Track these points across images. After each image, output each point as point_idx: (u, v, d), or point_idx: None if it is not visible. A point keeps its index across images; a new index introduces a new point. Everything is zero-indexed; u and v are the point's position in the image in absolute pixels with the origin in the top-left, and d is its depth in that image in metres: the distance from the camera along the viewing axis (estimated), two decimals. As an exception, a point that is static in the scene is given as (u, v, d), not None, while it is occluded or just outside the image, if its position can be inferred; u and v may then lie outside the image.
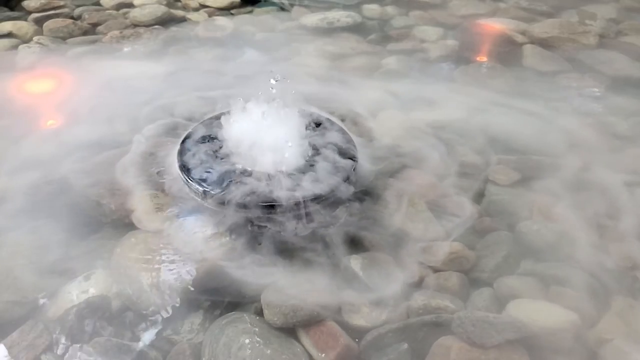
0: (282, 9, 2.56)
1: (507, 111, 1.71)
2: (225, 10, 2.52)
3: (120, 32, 2.19)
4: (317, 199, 1.26)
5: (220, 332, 0.98)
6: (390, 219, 1.26)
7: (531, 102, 1.75)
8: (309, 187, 1.26)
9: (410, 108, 1.71)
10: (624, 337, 0.99)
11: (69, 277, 1.09)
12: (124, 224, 1.22)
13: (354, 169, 1.36)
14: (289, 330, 1.00)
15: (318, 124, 1.49)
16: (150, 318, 1.02)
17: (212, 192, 1.26)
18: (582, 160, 1.47)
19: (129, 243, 1.17)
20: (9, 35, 2.13)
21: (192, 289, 1.08)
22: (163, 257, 1.14)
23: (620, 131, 1.62)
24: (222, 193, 1.25)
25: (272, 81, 1.36)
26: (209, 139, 1.44)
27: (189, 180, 1.30)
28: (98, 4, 2.50)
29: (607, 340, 0.99)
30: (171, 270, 1.12)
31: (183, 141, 1.44)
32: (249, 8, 2.55)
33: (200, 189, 1.28)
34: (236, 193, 1.24)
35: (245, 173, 1.30)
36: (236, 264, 1.13)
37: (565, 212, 1.31)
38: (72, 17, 2.32)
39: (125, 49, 2.10)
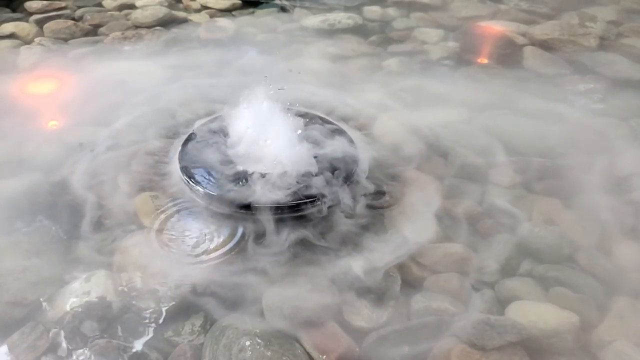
0: (284, 10, 2.56)
1: (507, 113, 1.71)
2: (227, 12, 2.53)
3: (122, 34, 2.20)
4: (318, 200, 1.26)
5: (220, 334, 0.98)
6: (391, 220, 1.26)
7: (532, 103, 1.75)
8: (310, 188, 1.26)
9: (411, 109, 1.71)
10: (624, 339, 0.99)
11: (70, 279, 1.09)
12: (125, 225, 1.22)
13: (354, 171, 1.36)
14: (290, 332, 1.00)
15: (319, 124, 1.50)
16: (151, 320, 1.02)
17: (213, 193, 1.27)
18: (583, 162, 1.47)
19: (130, 244, 1.17)
20: (11, 36, 2.14)
21: (193, 290, 1.07)
22: (163, 259, 1.14)
23: (620, 133, 1.62)
24: (223, 194, 1.25)
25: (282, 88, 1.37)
26: (210, 140, 1.44)
27: (190, 182, 1.30)
28: (100, 5, 2.51)
29: (607, 342, 0.99)
30: (172, 271, 1.12)
31: (184, 142, 1.45)
32: (250, 9, 2.55)
33: (201, 190, 1.28)
34: (237, 194, 1.24)
35: (246, 174, 1.30)
36: (237, 265, 1.13)
37: (566, 213, 1.31)
38: (73, 19, 2.33)
39: (127, 50, 2.10)
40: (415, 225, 1.23)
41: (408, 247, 1.17)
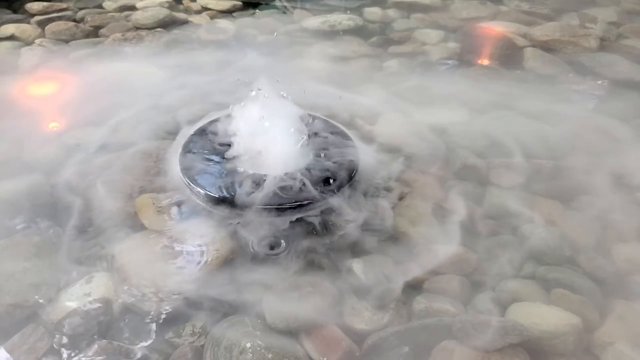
0: (284, 12, 2.57)
1: (508, 114, 1.71)
2: (227, 13, 2.53)
3: (123, 35, 2.20)
4: (318, 202, 1.26)
5: (221, 336, 0.98)
6: (392, 221, 1.26)
7: (532, 104, 1.75)
8: (309, 190, 1.26)
9: (412, 111, 1.71)
10: (626, 341, 0.99)
11: (71, 280, 1.09)
12: (125, 227, 1.22)
13: (355, 173, 1.36)
14: (291, 334, 1.00)
15: (320, 126, 1.50)
16: (152, 321, 1.02)
17: (214, 194, 1.27)
18: (584, 163, 1.47)
19: (131, 245, 1.17)
20: (11, 37, 2.14)
21: (194, 291, 1.07)
22: (164, 260, 1.14)
23: (621, 134, 1.62)
24: (224, 195, 1.25)
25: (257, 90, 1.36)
26: (210, 141, 1.44)
27: (191, 183, 1.30)
28: (100, 6, 2.52)
29: (609, 344, 0.99)
30: (172, 272, 1.12)
31: (185, 143, 1.45)
32: (250, 11, 2.56)
33: (202, 191, 1.28)
34: (238, 195, 1.24)
35: (247, 175, 1.30)
36: (237, 266, 1.13)
37: (567, 215, 1.30)
38: (74, 20, 2.33)
39: (128, 52, 2.10)
40: (436, 237, 1.22)
41: (437, 261, 1.14)
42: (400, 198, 1.33)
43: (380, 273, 1.11)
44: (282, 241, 1.18)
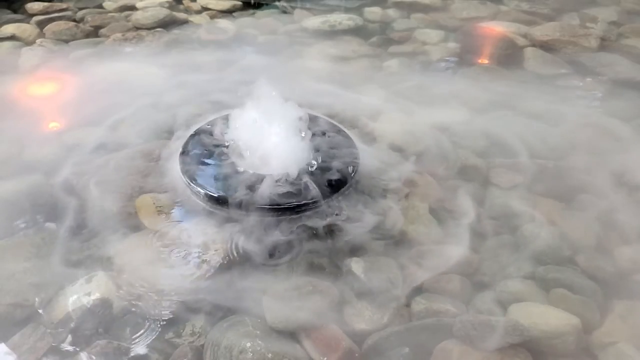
0: (284, 12, 2.57)
1: (508, 113, 1.71)
2: (227, 13, 2.53)
3: (123, 35, 2.20)
4: (319, 203, 1.25)
5: (221, 335, 0.98)
6: (392, 222, 1.26)
7: (533, 104, 1.75)
8: (310, 190, 1.26)
9: (412, 110, 1.71)
10: (626, 341, 0.99)
11: (71, 280, 1.09)
12: (125, 227, 1.22)
13: (355, 172, 1.36)
14: (291, 334, 1.00)
15: (321, 126, 1.50)
16: (152, 321, 1.02)
17: (214, 194, 1.27)
18: (584, 163, 1.47)
19: (130, 245, 1.17)
20: (12, 37, 2.14)
21: (193, 291, 1.07)
22: (164, 260, 1.14)
23: (621, 134, 1.62)
24: (224, 195, 1.25)
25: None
26: (211, 141, 1.44)
27: (190, 183, 1.30)
28: (100, 6, 2.52)
29: (609, 344, 0.99)
30: (172, 272, 1.12)
31: (185, 143, 1.45)
32: (250, 11, 2.56)
33: (202, 191, 1.28)
34: (238, 195, 1.24)
35: (247, 175, 1.30)
36: (238, 267, 1.13)
37: (568, 214, 1.30)
38: (74, 20, 2.33)
39: (128, 52, 2.10)
40: (439, 237, 1.21)
41: (440, 262, 1.14)
42: (401, 198, 1.33)
43: (383, 275, 1.11)
44: (283, 246, 1.17)
